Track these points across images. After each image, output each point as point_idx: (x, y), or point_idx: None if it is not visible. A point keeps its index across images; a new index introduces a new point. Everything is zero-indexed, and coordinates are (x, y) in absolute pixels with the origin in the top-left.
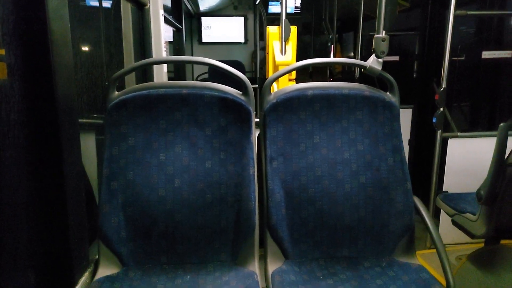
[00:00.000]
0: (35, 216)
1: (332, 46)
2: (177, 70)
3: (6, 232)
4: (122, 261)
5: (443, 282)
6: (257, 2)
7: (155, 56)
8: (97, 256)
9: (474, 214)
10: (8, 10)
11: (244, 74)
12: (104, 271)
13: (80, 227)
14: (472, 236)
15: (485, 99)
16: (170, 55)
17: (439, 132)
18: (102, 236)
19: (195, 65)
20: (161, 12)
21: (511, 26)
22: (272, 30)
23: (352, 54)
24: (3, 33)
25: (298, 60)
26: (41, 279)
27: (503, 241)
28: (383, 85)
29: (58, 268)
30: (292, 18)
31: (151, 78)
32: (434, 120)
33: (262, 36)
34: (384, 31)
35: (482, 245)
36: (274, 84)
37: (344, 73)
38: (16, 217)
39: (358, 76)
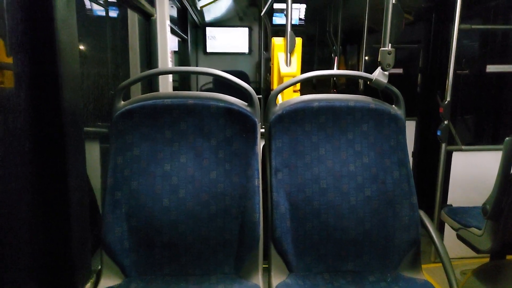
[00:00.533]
0: (38, 224)
1: (336, 58)
2: (182, 80)
3: (8, 241)
4: (125, 272)
5: None
6: (262, 14)
7: (161, 66)
8: (100, 267)
9: (480, 229)
10: (16, 19)
11: (249, 85)
12: (106, 282)
13: (83, 237)
14: (477, 251)
15: (489, 113)
16: (175, 65)
17: (443, 145)
18: (105, 246)
19: (199, 76)
20: (168, 22)
21: None
22: (277, 42)
23: (353, 62)
24: (11, 42)
25: (302, 71)
26: None
27: (509, 257)
28: (387, 98)
29: (59, 278)
30: (296, 30)
31: (156, 88)
32: (438, 133)
33: (267, 47)
34: (390, 44)
35: (487, 260)
36: (279, 95)
37: (348, 85)
38: (19, 226)
39: (362, 88)
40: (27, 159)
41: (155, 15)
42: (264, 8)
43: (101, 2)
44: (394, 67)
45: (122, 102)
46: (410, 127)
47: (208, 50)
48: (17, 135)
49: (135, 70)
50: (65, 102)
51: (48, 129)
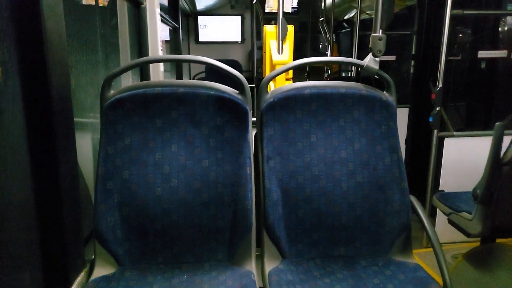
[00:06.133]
0: (30, 215)
1: (329, 46)
2: (174, 69)
3: (0, 231)
4: (118, 261)
5: (440, 281)
6: (254, 1)
7: (151, 55)
8: (93, 256)
9: (470, 213)
10: (1, 6)
11: (241, 74)
12: (100, 271)
13: (75, 227)
14: (468, 235)
15: (481, 99)
16: (167, 54)
17: (435, 131)
18: (98, 235)
19: (192, 64)
20: (158, 10)
21: (507, 25)
22: (269, 29)
23: (346, 50)
24: None
25: (295, 59)
26: (36, 279)
27: (499, 240)
28: (380, 85)
29: (53, 268)
30: (288, 18)
31: (147, 78)
32: (430, 120)
33: (259, 35)
34: (381, 30)
35: (478, 244)
36: (271, 83)
37: (341, 72)
38: (11, 217)
39: (354, 75)
40: (16, 149)
41: (144, 2)
42: None
43: None
44: (387, 54)
45: (112, 91)
46: (403, 114)
47: (200, 39)
48: (5, 124)
49: (126, 59)
50: (54, 91)
51: (37, 118)
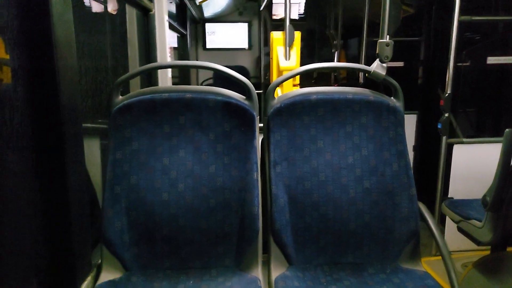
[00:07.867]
0: (38, 219)
1: (336, 52)
2: (182, 76)
3: (8, 235)
4: (125, 265)
5: None
6: (261, 8)
7: (159, 61)
8: (100, 260)
9: (480, 221)
10: (12, 14)
11: (249, 80)
12: (106, 276)
13: (83, 231)
14: (478, 243)
15: (490, 105)
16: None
17: (444, 138)
18: (105, 240)
19: (199, 71)
20: (166, 17)
21: None
22: (276, 36)
23: (354, 56)
24: (7, 38)
25: (302, 65)
26: (43, 283)
27: (509, 248)
28: (388, 91)
29: (60, 272)
30: (296, 24)
31: (155, 84)
32: (439, 126)
33: (267, 42)
34: (388, 36)
35: (488, 252)
36: (278, 89)
37: (349, 79)
38: (19, 221)
39: (362, 81)
40: (25, 155)
41: (153, 10)
42: (263, 2)
43: None
44: (395, 60)
45: (120, 97)
46: (411, 120)
47: (208, 45)
48: (15, 131)
49: (134, 65)
50: (63, 98)
51: (47, 124)
